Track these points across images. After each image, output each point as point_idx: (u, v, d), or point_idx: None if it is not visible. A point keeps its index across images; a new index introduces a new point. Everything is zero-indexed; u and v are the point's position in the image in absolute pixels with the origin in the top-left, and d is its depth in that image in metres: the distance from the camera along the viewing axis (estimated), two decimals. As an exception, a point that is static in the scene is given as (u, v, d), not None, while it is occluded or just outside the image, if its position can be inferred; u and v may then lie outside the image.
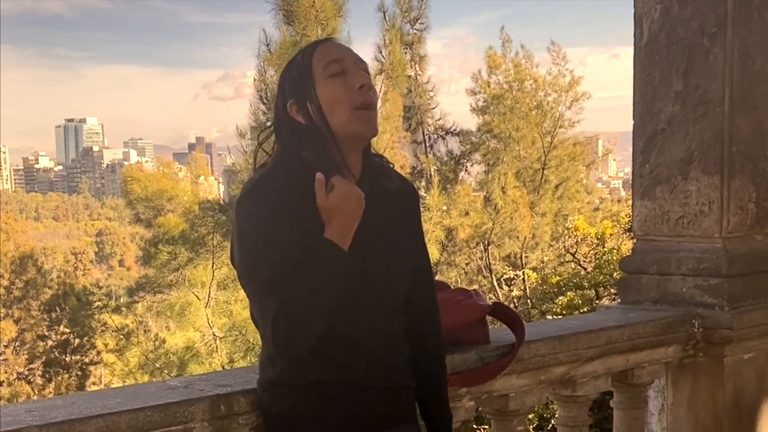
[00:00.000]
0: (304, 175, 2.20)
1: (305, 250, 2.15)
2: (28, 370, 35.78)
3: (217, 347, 16.71)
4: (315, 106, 2.25)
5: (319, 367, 2.22)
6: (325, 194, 2.16)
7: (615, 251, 15.11)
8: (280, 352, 2.19)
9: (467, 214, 19.66)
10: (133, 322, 21.21)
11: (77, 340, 35.00)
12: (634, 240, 4.14)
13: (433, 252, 17.04)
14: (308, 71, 2.27)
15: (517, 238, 20.25)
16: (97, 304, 29.67)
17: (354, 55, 2.33)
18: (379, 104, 2.43)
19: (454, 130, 20.89)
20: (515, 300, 18.24)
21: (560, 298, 14.51)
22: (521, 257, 20.37)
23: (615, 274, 13.23)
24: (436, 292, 2.56)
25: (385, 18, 18.97)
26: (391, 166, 2.46)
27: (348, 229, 2.18)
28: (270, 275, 2.13)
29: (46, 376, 35.45)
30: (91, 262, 70.86)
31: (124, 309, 22.12)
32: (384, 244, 2.31)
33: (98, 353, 32.64)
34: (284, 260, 2.13)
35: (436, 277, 2.76)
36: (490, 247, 20.16)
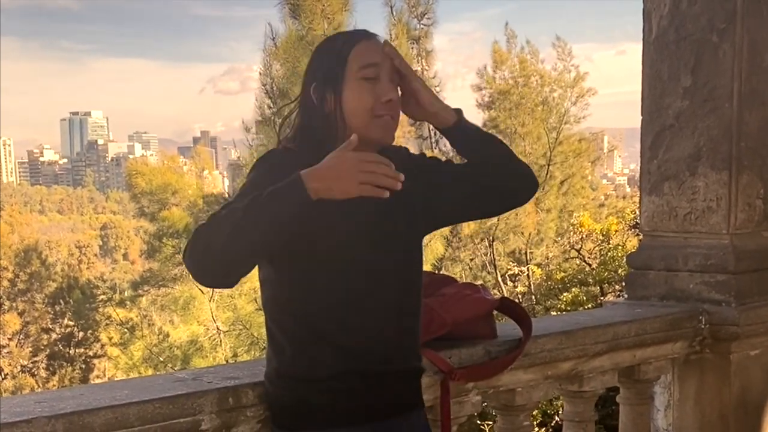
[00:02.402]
0: (304, 155, 2.21)
1: None
2: (32, 362, 35.84)
3: (221, 341, 16.72)
4: (337, 101, 2.26)
5: (327, 357, 2.22)
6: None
7: (620, 248, 15.08)
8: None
9: (472, 209, 19.61)
10: (137, 316, 21.23)
11: (81, 333, 35.07)
12: (641, 236, 4.13)
13: (438, 247, 17.04)
14: (342, 64, 2.27)
15: (522, 234, 20.23)
16: (101, 297, 29.73)
17: (391, 61, 2.31)
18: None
19: (460, 125, 20.83)
20: (520, 296, 18.20)
21: (565, 294, 14.48)
22: (526, 253, 20.34)
23: (620, 271, 13.20)
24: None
25: (392, 13, 18.94)
26: (403, 150, 2.48)
27: (323, 182, 2.02)
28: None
29: (50, 369, 35.51)
30: (96, 255, 70.90)
31: (128, 302, 22.15)
32: (396, 232, 2.32)
33: (102, 346, 32.70)
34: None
35: (441, 272, 2.78)
36: (494, 243, 20.15)
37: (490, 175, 2.46)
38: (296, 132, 2.35)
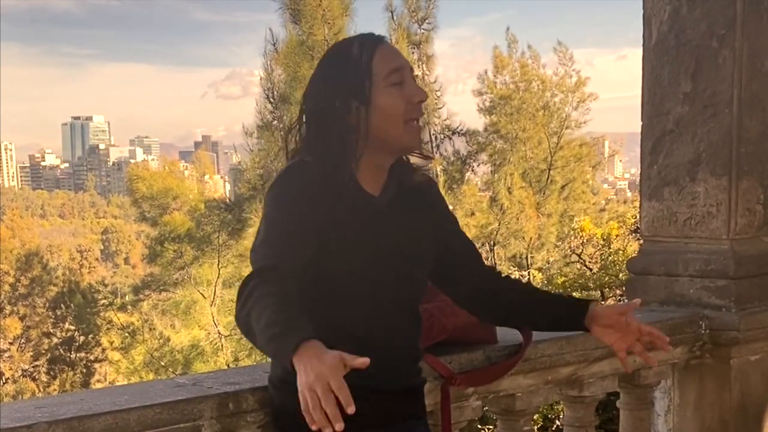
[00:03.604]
0: (328, 170, 2.20)
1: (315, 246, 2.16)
2: (33, 367, 35.84)
3: (222, 345, 16.73)
4: (365, 111, 2.20)
5: None
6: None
7: (621, 252, 15.08)
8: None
9: (473, 214, 19.67)
10: (138, 320, 21.25)
11: (82, 338, 35.09)
12: (641, 241, 4.13)
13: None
14: (368, 73, 2.21)
15: (523, 238, 20.25)
16: (102, 301, 29.78)
17: (409, 63, 2.30)
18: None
19: (461, 130, 20.87)
20: (520, 300, 18.17)
21: (566, 298, 14.46)
22: (527, 258, 20.36)
23: (620, 275, 13.21)
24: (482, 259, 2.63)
25: (392, 17, 18.98)
26: (411, 166, 2.44)
27: (300, 366, 1.91)
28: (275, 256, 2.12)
29: (51, 373, 35.52)
30: (97, 259, 71.03)
31: (129, 307, 22.18)
32: (406, 249, 2.31)
33: (103, 351, 32.74)
34: (295, 250, 2.13)
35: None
36: (495, 248, 20.16)
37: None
38: (307, 143, 2.28)
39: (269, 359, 2.35)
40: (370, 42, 2.27)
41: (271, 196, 2.22)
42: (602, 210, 26.42)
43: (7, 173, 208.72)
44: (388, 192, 2.31)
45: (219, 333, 16.75)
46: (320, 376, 1.83)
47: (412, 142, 2.26)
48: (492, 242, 20.11)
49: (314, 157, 2.22)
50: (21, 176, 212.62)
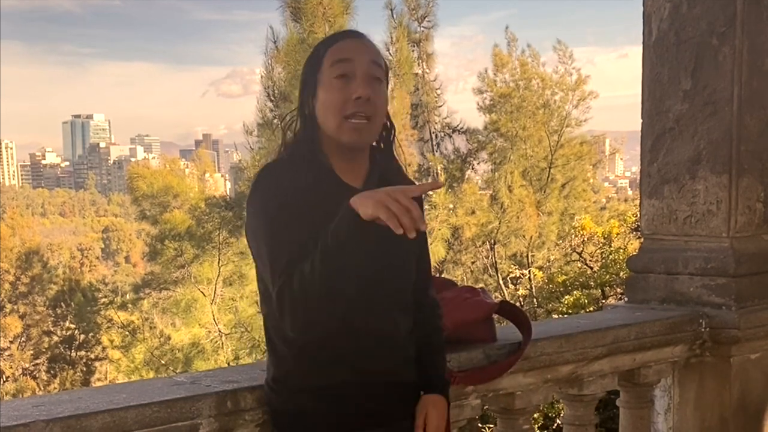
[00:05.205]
0: (297, 161, 2.23)
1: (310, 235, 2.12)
2: (33, 365, 35.83)
3: (222, 344, 16.72)
4: (313, 101, 2.26)
5: (326, 365, 2.21)
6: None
7: (621, 250, 15.07)
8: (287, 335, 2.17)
9: (473, 212, 19.65)
10: (138, 319, 21.26)
11: (82, 336, 35.09)
12: (642, 239, 4.13)
13: (439, 250, 17.04)
14: (318, 67, 2.25)
15: (524, 236, 20.23)
16: (102, 300, 29.82)
17: (369, 55, 2.27)
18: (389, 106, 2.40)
19: (461, 128, 20.87)
20: (521, 299, 18.20)
21: (566, 297, 14.48)
22: (527, 256, 20.34)
23: (621, 274, 13.20)
24: (434, 291, 2.57)
25: (392, 16, 18.97)
26: (401, 167, 2.44)
27: (359, 200, 1.98)
28: (280, 264, 2.10)
29: (51, 371, 35.51)
30: (97, 258, 70.99)
31: (129, 305, 22.19)
32: (395, 244, 2.30)
33: (103, 349, 32.73)
34: (291, 247, 2.11)
35: (443, 275, 2.77)
36: (496, 246, 20.15)
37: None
38: (289, 142, 2.33)
39: (267, 358, 2.34)
40: (335, 37, 2.33)
41: (253, 208, 2.22)
42: (603, 208, 26.43)
43: (8, 172, 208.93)
44: (369, 184, 2.28)
45: (219, 331, 16.73)
46: (388, 192, 1.94)
47: (347, 138, 2.22)
48: (492, 241, 20.10)
49: (289, 152, 2.28)
50: (22, 175, 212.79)
